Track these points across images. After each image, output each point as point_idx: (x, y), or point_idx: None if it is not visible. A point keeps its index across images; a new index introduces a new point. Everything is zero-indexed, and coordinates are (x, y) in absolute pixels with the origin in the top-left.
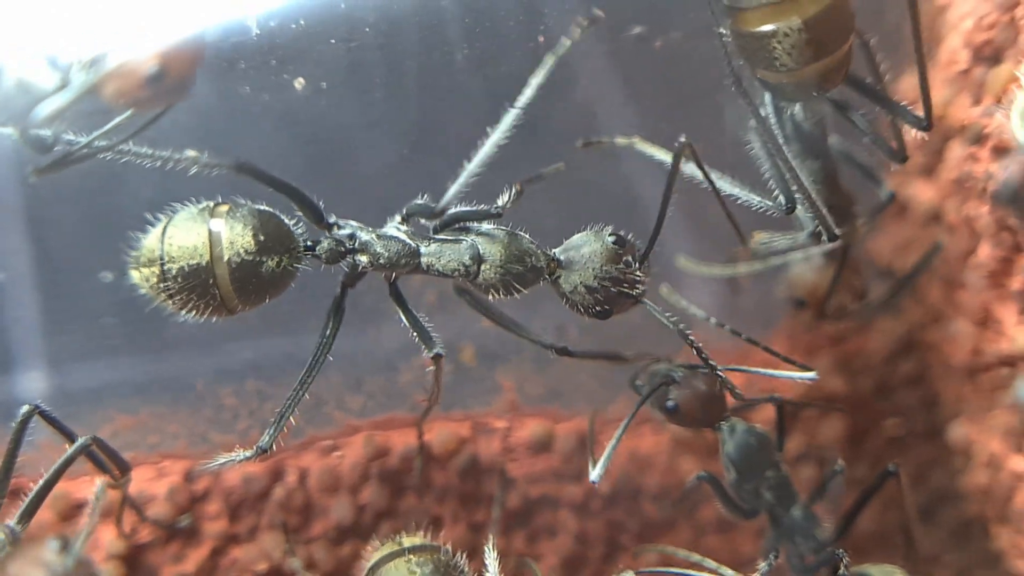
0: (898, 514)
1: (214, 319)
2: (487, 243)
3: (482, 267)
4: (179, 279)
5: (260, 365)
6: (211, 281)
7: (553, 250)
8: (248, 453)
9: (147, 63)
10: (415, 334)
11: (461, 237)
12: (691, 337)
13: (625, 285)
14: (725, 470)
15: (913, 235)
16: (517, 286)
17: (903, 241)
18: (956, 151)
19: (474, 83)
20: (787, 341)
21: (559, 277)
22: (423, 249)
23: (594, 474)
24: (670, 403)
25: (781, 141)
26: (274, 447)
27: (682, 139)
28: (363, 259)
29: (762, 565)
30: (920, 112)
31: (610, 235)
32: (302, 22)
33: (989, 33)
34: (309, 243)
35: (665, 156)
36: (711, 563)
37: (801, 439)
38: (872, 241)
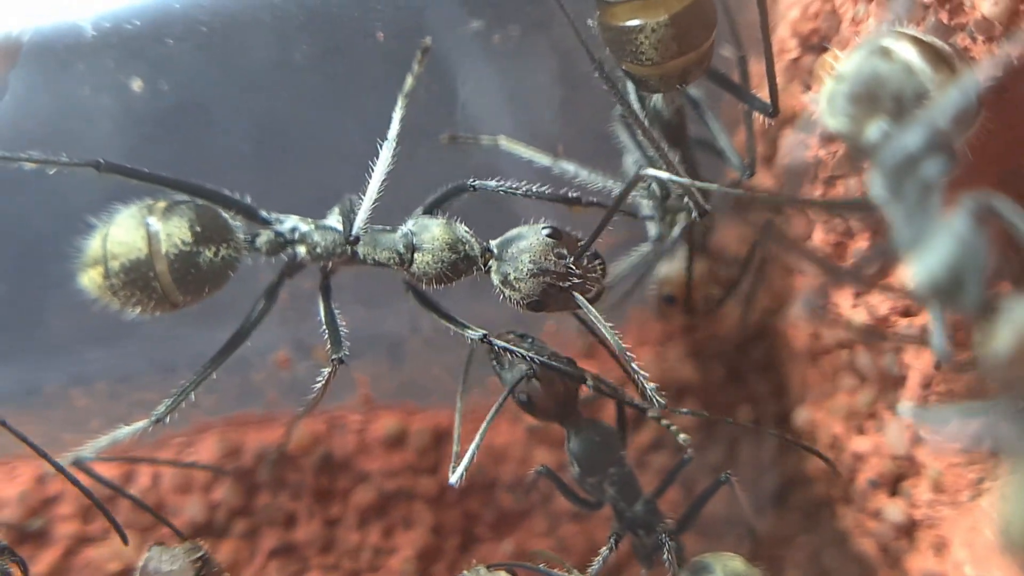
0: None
1: (158, 314)
2: (422, 232)
3: (415, 255)
4: (121, 275)
5: (113, 366)
6: (151, 274)
7: (491, 241)
8: (143, 423)
9: None
10: (326, 331)
11: (397, 226)
12: (622, 344)
13: (554, 278)
14: (569, 464)
15: (756, 225)
16: (450, 274)
17: (747, 232)
18: (789, 138)
19: (314, 80)
20: (638, 331)
21: (492, 268)
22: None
23: (453, 477)
24: (523, 396)
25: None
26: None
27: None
28: (301, 250)
29: (603, 550)
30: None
31: (544, 228)
32: (137, 22)
33: (814, 22)
34: (249, 237)
35: (530, 154)
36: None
37: (654, 426)
38: (719, 234)
